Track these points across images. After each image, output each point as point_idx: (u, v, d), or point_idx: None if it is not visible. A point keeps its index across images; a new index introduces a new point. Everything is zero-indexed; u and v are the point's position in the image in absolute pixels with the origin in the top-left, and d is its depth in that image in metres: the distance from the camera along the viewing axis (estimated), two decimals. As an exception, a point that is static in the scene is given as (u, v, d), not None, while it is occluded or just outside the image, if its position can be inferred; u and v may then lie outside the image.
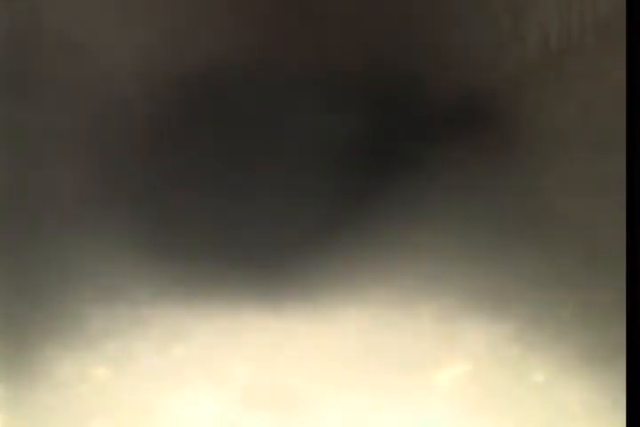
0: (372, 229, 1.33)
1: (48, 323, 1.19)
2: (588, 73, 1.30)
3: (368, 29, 1.42)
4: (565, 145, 1.32)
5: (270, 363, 1.15)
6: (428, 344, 1.16)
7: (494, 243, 1.28)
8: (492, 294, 1.22)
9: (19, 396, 1.09)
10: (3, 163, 1.30)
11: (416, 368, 1.13)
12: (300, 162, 1.41)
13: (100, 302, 1.22)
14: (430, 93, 1.41)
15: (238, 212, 1.37)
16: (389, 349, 1.16)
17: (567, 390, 1.09)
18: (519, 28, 1.36)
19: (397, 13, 1.40)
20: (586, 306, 1.19)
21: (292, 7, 1.41)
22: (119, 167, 1.37)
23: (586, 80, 1.31)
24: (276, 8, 1.41)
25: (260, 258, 1.30)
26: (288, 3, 1.41)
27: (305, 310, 1.23)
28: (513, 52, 1.38)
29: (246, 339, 1.19)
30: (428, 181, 1.36)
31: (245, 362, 1.15)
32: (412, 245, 1.30)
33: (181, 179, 1.39)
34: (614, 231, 1.10)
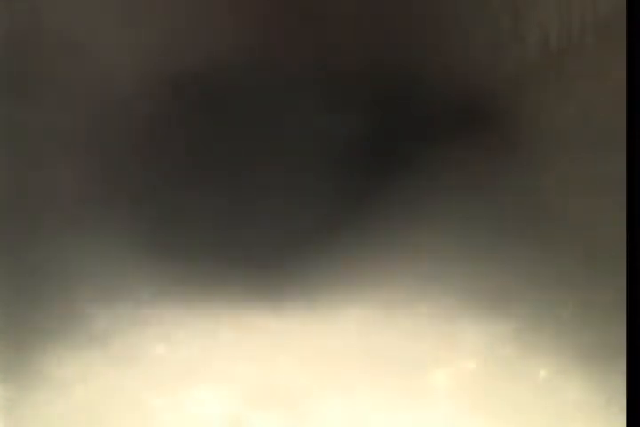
0: (372, 229, 1.33)
1: (48, 323, 1.19)
2: (588, 73, 1.30)
3: (368, 29, 1.42)
4: (565, 145, 1.32)
5: (270, 363, 1.15)
6: (427, 344, 1.16)
7: (494, 243, 1.28)
8: (492, 294, 1.22)
9: (19, 396, 1.09)
10: (3, 163, 1.30)
11: (416, 368, 1.13)
12: (299, 162, 1.41)
13: (101, 302, 1.22)
14: (430, 93, 1.41)
15: (238, 212, 1.37)
16: (389, 349, 1.16)
17: (567, 390, 1.09)
18: (519, 28, 1.36)
19: (397, 13, 1.40)
20: (586, 306, 1.19)
21: (291, 7, 1.41)
22: (119, 167, 1.37)
23: (586, 80, 1.31)
24: (275, 8, 1.41)
25: (259, 258, 1.30)
26: (288, 3, 1.41)
27: (305, 310, 1.23)
28: (513, 52, 1.38)
29: (246, 339, 1.19)
30: (428, 181, 1.36)
31: (245, 362, 1.15)
32: (411, 245, 1.30)
33: (181, 179, 1.39)
34: (614, 231, 1.10)
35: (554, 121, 1.34)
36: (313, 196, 1.37)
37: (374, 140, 1.42)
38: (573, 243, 1.25)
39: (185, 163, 1.41)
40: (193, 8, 1.40)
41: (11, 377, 1.11)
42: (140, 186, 1.37)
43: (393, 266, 1.28)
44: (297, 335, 1.19)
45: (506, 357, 1.14)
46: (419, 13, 1.40)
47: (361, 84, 1.43)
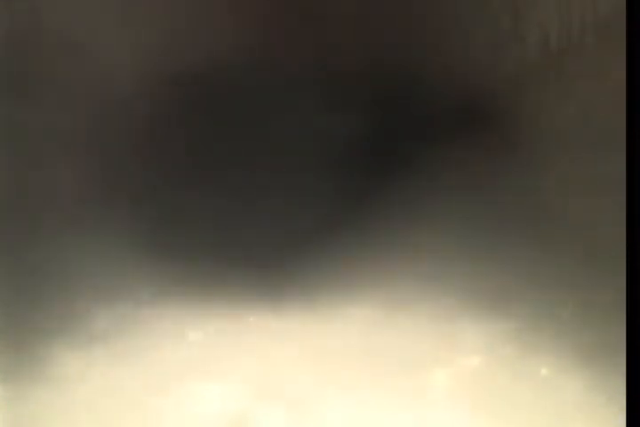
0: (372, 229, 1.33)
1: (48, 323, 1.19)
2: (588, 73, 1.30)
3: (368, 29, 1.42)
4: (565, 145, 1.32)
5: (271, 363, 1.15)
6: (427, 344, 1.16)
7: (494, 243, 1.28)
8: (492, 294, 1.22)
9: (19, 396, 1.09)
10: (3, 163, 1.30)
11: (416, 368, 1.13)
12: (299, 162, 1.41)
13: (101, 302, 1.22)
14: (430, 93, 1.41)
15: (238, 212, 1.37)
16: (389, 349, 1.16)
17: (567, 390, 1.09)
18: (519, 28, 1.36)
19: (397, 13, 1.40)
20: (586, 306, 1.18)
21: (291, 7, 1.41)
22: (119, 167, 1.37)
23: (586, 80, 1.31)
24: (275, 8, 1.41)
25: (259, 258, 1.30)
26: (288, 3, 1.41)
27: (305, 310, 1.23)
28: (513, 52, 1.38)
29: (246, 339, 1.19)
30: (428, 181, 1.36)
31: (246, 362, 1.15)
32: (411, 245, 1.30)
33: (181, 179, 1.39)
34: (614, 231, 1.10)
35: (554, 121, 1.34)
36: (313, 196, 1.37)
37: (374, 141, 1.42)
38: (573, 243, 1.25)
39: (185, 163, 1.41)
40: (193, 8, 1.40)
41: (11, 377, 1.11)
42: (139, 186, 1.37)
43: (393, 266, 1.28)
44: (297, 335, 1.19)
45: (506, 357, 1.14)
46: (419, 13, 1.40)
47: (361, 84, 1.43)
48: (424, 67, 1.41)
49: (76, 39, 1.35)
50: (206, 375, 1.13)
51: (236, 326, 1.21)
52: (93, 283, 1.24)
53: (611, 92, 1.23)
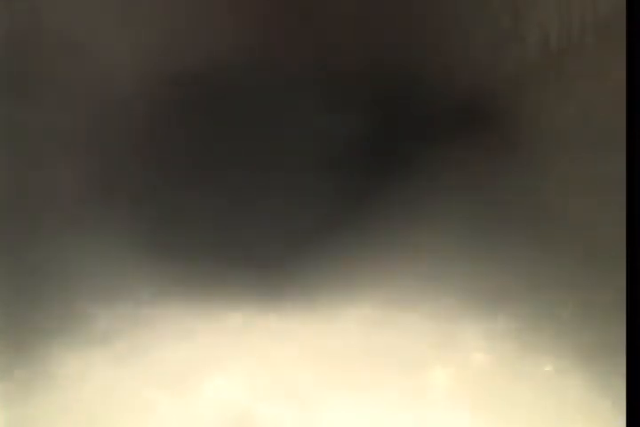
0: (372, 229, 1.33)
1: (48, 323, 1.19)
2: (588, 73, 1.30)
3: (368, 29, 1.42)
4: (565, 145, 1.32)
5: (270, 362, 1.15)
6: (428, 344, 1.16)
7: (494, 243, 1.28)
8: (492, 294, 1.22)
9: (19, 395, 1.09)
10: (3, 163, 1.30)
11: (416, 368, 1.13)
12: (299, 162, 1.41)
13: (101, 302, 1.22)
14: (430, 93, 1.41)
15: (238, 212, 1.37)
16: (389, 348, 1.16)
17: (567, 389, 1.09)
18: (519, 28, 1.36)
19: (397, 13, 1.40)
20: (586, 306, 1.18)
21: (291, 7, 1.41)
22: (119, 167, 1.37)
23: (586, 80, 1.31)
24: (275, 8, 1.41)
25: (259, 258, 1.30)
26: (288, 3, 1.41)
27: (305, 310, 1.23)
28: (513, 52, 1.38)
29: (246, 339, 1.19)
30: (428, 181, 1.36)
31: (245, 361, 1.15)
32: (411, 245, 1.30)
33: (181, 179, 1.39)
34: (614, 231, 1.10)
35: (554, 121, 1.34)
36: (313, 196, 1.37)
37: (374, 141, 1.42)
38: (573, 243, 1.25)
39: (185, 163, 1.41)
40: (193, 8, 1.40)
41: (11, 377, 1.11)
42: (139, 186, 1.37)
43: (393, 266, 1.28)
44: (297, 335, 1.19)
45: (506, 356, 1.14)
46: (419, 13, 1.40)
47: (361, 84, 1.43)
48: (424, 67, 1.42)
49: (75, 39, 1.35)
50: (206, 375, 1.13)
51: (236, 326, 1.21)
52: (93, 283, 1.24)
53: (611, 92, 1.23)
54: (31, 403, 1.08)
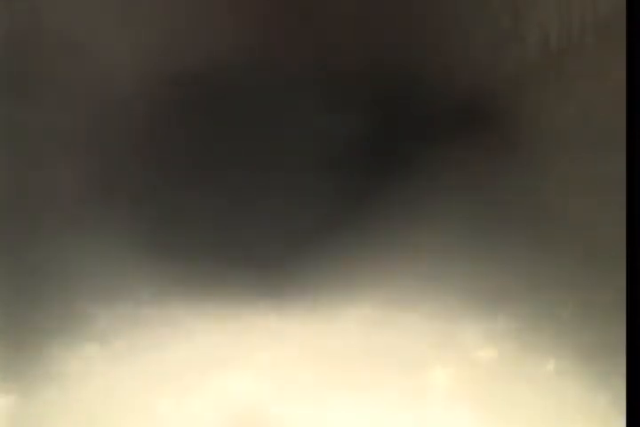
0: (372, 229, 1.33)
1: (48, 323, 1.19)
2: (588, 73, 1.30)
3: (368, 29, 1.42)
4: (565, 145, 1.32)
5: (270, 362, 1.15)
6: (428, 344, 1.16)
7: (494, 243, 1.28)
8: (492, 294, 1.22)
9: (19, 395, 1.09)
10: (3, 163, 1.30)
11: (416, 368, 1.13)
12: (299, 162, 1.41)
13: (101, 302, 1.22)
14: (430, 93, 1.41)
15: (238, 212, 1.37)
16: (389, 348, 1.16)
17: (567, 389, 1.09)
18: (519, 28, 1.36)
19: (397, 13, 1.40)
20: (586, 306, 1.18)
21: (291, 7, 1.41)
22: (119, 167, 1.37)
23: (586, 80, 1.31)
24: (275, 8, 1.41)
25: (259, 258, 1.30)
26: (288, 3, 1.41)
27: (305, 310, 1.23)
28: (513, 52, 1.38)
29: (246, 339, 1.19)
30: (428, 181, 1.36)
31: (245, 362, 1.15)
32: (411, 245, 1.30)
33: (181, 179, 1.39)
34: (614, 231, 1.10)
35: (554, 121, 1.34)
36: (313, 196, 1.37)
37: (374, 141, 1.42)
38: (573, 243, 1.25)
39: (185, 163, 1.41)
40: (193, 8, 1.40)
41: (11, 377, 1.11)
42: (139, 186, 1.37)
43: (393, 266, 1.28)
44: (297, 335, 1.19)
45: (506, 356, 1.14)
46: (419, 13, 1.40)
47: (361, 84, 1.43)
48: (424, 67, 1.42)
49: (75, 39, 1.35)
50: (206, 375, 1.13)
51: (236, 326, 1.20)
52: (93, 283, 1.24)
53: (611, 92, 1.23)
54: (31, 403, 1.08)
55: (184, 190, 1.38)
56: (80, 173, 1.35)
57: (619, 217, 1.00)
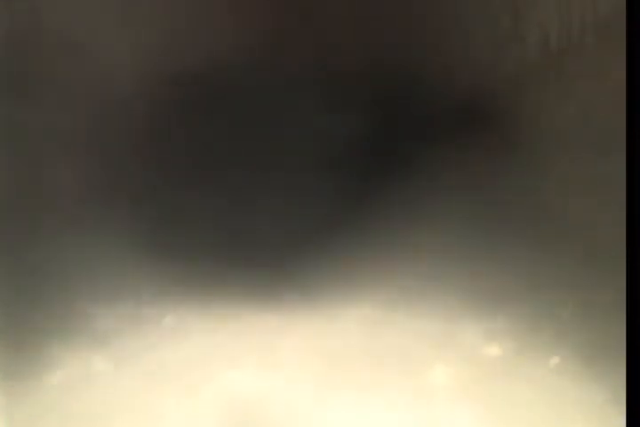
0: (372, 229, 1.33)
1: (48, 323, 1.19)
2: (588, 73, 1.30)
3: (368, 29, 1.42)
4: (565, 145, 1.32)
5: (270, 362, 1.15)
6: (427, 344, 1.16)
7: (494, 243, 1.28)
8: (492, 294, 1.22)
9: (19, 396, 1.09)
10: (3, 163, 1.30)
11: (416, 368, 1.13)
12: (299, 162, 1.41)
13: (101, 303, 1.22)
14: (430, 93, 1.41)
15: (238, 212, 1.37)
16: (389, 349, 1.16)
17: (567, 390, 1.09)
18: (519, 28, 1.36)
19: (397, 13, 1.40)
20: (586, 306, 1.18)
21: (291, 7, 1.41)
22: (119, 167, 1.37)
23: (586, 80, 1.31)
24: (276, 8, 1.41)
25: (259, 258, 1.30)
26: (288, 3, 1.41)
27: (305, 311, 1.23)
28: (513, 52, 1.37)
29: (246, 339, 1.19)
30: (428, 181, 1.36)
31: (245, 362, 1.15)
32: (411, 245, 1.30)
33: (181, 179, 1.39)
34: (614, 231, 1.10)
35: (554, 121, 1.34)
36: (313, 196, 1.37)
37: (374, 140, 1.42)
38: (573, 243, 1.25)
39: (185, 163, 1.41)
40: (193, 8, 1.40)
41: (11, 377, 1.11)
42: (140, 186, 1.37)
43: (393, 266, 1.28)
44: (297, 335, 1.19)
45: (506, 356, 1.14)
46: (419, 13, 1.40)
47: (361, 84, 1.43)
48: (424, 67, 1.41)
49: (76, 39, 1.35)
50: (206, 375, 1.13)
51: (236, 326, 1.20)
52: (93, 283, 1.24)
53: (611, 92, 1.23)
54: (31, 403, 1.08)
55: (184, 190, 1.38)
56: (80, 173, 1.35)
57: (619, 217, 1.00)
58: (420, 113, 1.41)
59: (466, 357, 1.14)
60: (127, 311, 1.22)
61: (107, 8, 1.37)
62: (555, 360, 1.12)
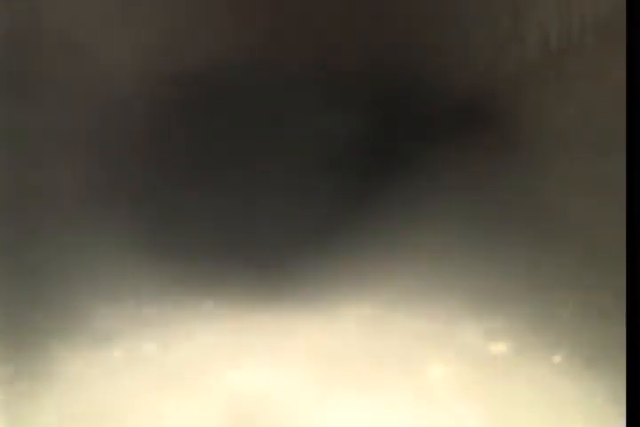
0: (372, 229, 1.33)
1: (48, 323, 1.19)
2: (588, 73, 1.30)
3: (368, 29, 1.42)
4: (565, 145, 1.32)
5: (270, 362, 1.15)
6: (427, 344, 1.16)
7: (494, 243, 1.28)
8: (492, 294, 1.22)
9: (19, 396, 1.09)
10: (3, 163, 1.30)
11: (416, 368, 1.13)
12: (299, 162, 1.41)
13: (101, 303, 1.22)
14: (430, 93, 1.41)
15: (238, 212, 1.37)
16: (389, 349, 1.16)
17: (567, 390, 1.09)
18: (519, 28, 1.36)
19: (397, 13, 1.40)
20: (586, 306, 1.19)
21: (292, 7, 1.41)
22: (119, 167, 1.37)
23: (586, 80, 1.31)
24: (275, 8, 1.41)
25: (260, 258, 1.30)
26: (288, 3, 1.41)
27: (305, 311, 1.23)
28: (513, 52, 1.38)
29: (246, 339, 1.19)
30: (428, 181, 1.36)
31: (245, 362, 1.15)
32: (411, 245, 1.30)
33: (181, 179, 1.39)
34: (614, 231, 1.10)
35: (554, 121, 1.34)
36: (313, 196, 1.37)
37: (374, 141, 1.42)
38: (573, 243, 1.25)
39: (185, 163, 1.41)
40: (193, 8, 1.40)
41: (11, 377, 1.11)
42: (140, 186, 1.37)
43: (393, 266, 1.28)
44: (297, 335, 1.19)
45: (505, 356, 1.14)
46: (419, 13, 1.40)
47: (361, 84, 1.43)
48: (424, 67, 1.41)
49: (76, 39, 1.35)
50: (206, 375, 1.13)
51: (236, 326, 1.21)
52: (93, 283, 1.24)
53: (611, 92, 1.23)
54: (31, 404, 1.08)
55: (184, 190, 1.38)
56: (80, 173, 1.35)
57: (619, 217, 1.00)
58: (420, 113, 1.41)
59: (466, 357, 1.14)
60: (127, 311, 1.22)
61: (107, 8, 1.37)
62: (555, 360, 1.12)
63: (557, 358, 1.13)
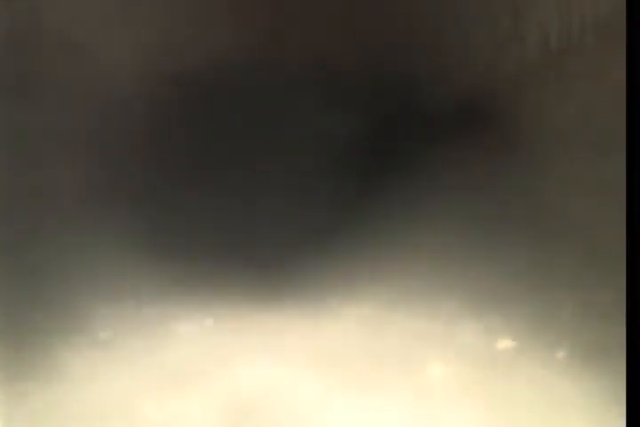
0: (372, 229, 1.33)
1: (48, 323, 1.19)
2: (588, 73, 1.30)
3: (368, 29, 1.42)
4: (565, 145, 1.32)
5: (270, 362, 1.15)
6: (427, 344, 1.16)
7: (494, 243, 1.28)
8: (492, 294, 1.22)
9: (19, 397, 1.09)
10: (3, 163, 1.30)
11: (416, 368, 1.13)
12: (300, 162, 1.41)
13: (101, 303, 1.22)
14: (430, 93, 1.41)
15: (238, 212, 1.37)
16: (389, 349, 1.16)
17: (567, 390, 1.09)
18: (519, 28, 1.36)
19: (397, 13, 1.40)
20: (586, 306, 1.18)
21: (292, 7, 1.41)
22: (119, 167, 1.37)
23: (586, 80, 1.31)
24: (275, 8, 1.41)
25: (260, 258, 1.30)
26: (288, 3, 1.41)
27: (305, 310, 1.23)
28: (513, 52, 1.37)
29: (246, 339, 1.19)
30: (428, 181, 1.36)
31: (245, 362, 1.15)
32: (411, 245, 1.30)
33: (181, 179, 1.39)
34: (614, 231, 1.10)
35: (554, 121, 1.34)
36: (313, 196, 1.37)
37: (374, 141, 1.42)
38: (573, 243, 1.25)
39: (185, 163, 1.41)
40: (193, 8, 1.40)
41: (10, 377, 1.11)
42: (140, 186, 1.37)
43: (393, 266, 1.28)
44: (297, 335, 1.19)
45: (505, 357, 1.14)
46: (419, 13, 1.40)
47: (361, 84, 1.43)
48: (424, 67, 1.41)
49: (76, 39, 1.35)
50: (206, 375, 1.13)
51: (236, 326, 1.20)
52: (93, 283, 1.24)
53: (611, 92, 1.23)
54: (31, 403, 1.08)
55: (184, 190, 1.38)
56: (80, 173, 1.35)
57: (619, 217, 1.00)
58: (420, 113, 1.41)
59: (466, 357, 1.14)
60: (127, 311, 1.22)
61: (107, 8, 1.37)
62: (555, 360, 1.12)
63: (557, 358, 1.13)
